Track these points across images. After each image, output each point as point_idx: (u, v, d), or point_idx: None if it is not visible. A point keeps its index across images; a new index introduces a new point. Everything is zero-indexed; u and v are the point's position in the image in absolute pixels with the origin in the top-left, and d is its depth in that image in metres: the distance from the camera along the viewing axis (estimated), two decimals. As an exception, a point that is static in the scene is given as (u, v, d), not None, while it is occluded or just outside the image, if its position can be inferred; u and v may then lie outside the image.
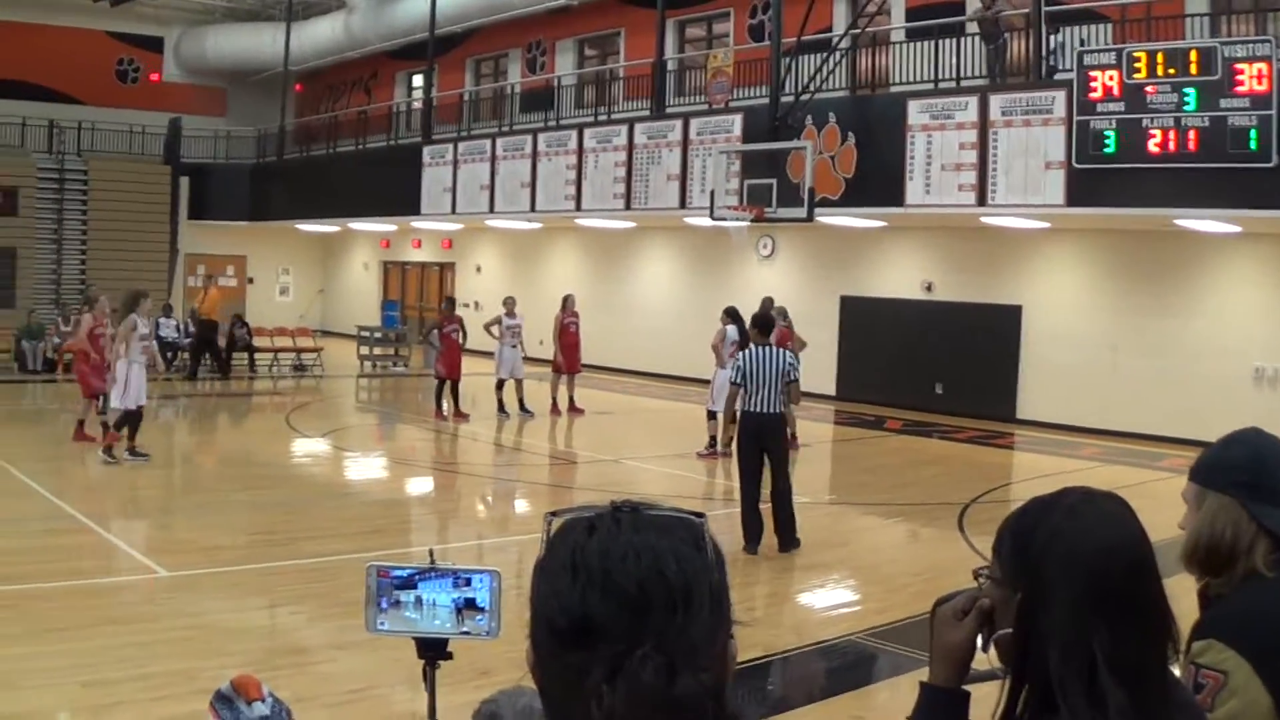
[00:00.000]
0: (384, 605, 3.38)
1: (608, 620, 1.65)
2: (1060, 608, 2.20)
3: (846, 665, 10.16)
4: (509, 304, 25.72)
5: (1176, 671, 2.52)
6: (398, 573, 3.42)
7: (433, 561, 3.41)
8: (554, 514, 1.79)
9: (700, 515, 1.78)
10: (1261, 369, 22.90)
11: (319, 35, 44.59)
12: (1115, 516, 2.32)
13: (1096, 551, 2.24)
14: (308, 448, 21.58)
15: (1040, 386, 25.71)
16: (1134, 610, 2.23)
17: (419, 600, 3.43)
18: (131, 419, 18.29)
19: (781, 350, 14.05)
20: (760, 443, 13.54)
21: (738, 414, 13.81)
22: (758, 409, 13.43)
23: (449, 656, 3.44)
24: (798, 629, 10.93)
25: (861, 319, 28.85)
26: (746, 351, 14.00)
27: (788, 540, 13.47)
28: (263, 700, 2.80)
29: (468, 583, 3.34)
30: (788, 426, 15.13)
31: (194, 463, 19.08)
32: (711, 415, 20.28)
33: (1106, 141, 20.75)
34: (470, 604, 3.32)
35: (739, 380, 13.55)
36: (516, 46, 39.28)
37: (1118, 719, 2.12)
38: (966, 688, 2.41)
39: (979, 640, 2.38)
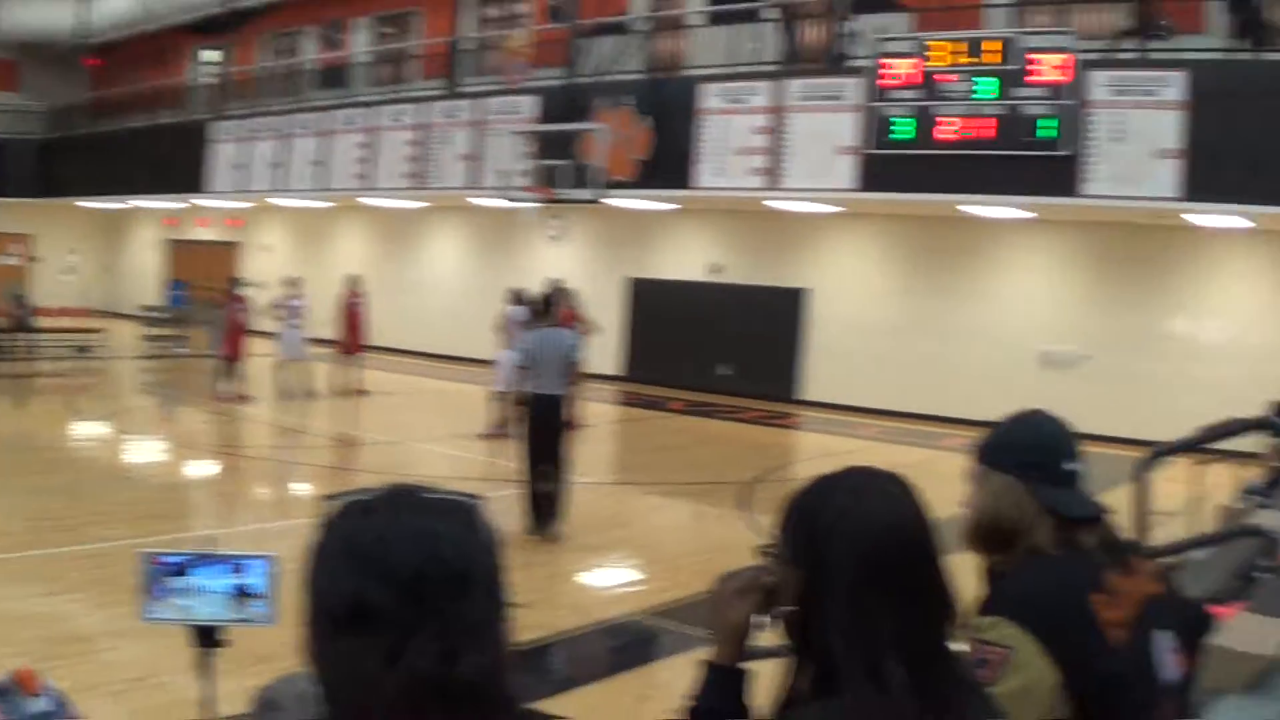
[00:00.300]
0: (157, 593, 3.34)
1: (384, 605, 1.63)
2: (842, 586, 2.22)
3: (630, 644, 10.25)
4: (292, 284, 25.42)
5: (963, 649, 2.57)
6: (170, 559, 3.35)
7: (207, 547, 3.39)
8: (331, 497, 1.77)
9: (476, 497, 1.79)
10: (1047, 353, 23.54)
11: (115, 8, 43.61)
12: (896, 496, 2.35)
13: (878, 530, 2.26)
14: (89, 431, 21.14)
15: (825, 368, 26.16)
16: (915, 589, 2.25)
17: (193, 587, 3.36)
18: None
19: (565, 331, 14.07)
20: (543, 425, 13.47)
21: (523, 396, 13.67)
22: (541, 391, 13.34)
23: (222, 644, 3.39)
24: (581, 609, 10.94)
25: (648, 301, 29.05)
26: (530, 334, 13.97)
27: (552, 525, 13.37)
28: (39, 694, 2.73)
29: (242, 569, 3.30)
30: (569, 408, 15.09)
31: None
32: (498, 397, 20.28)
33: (900, 128, 21.20)
34: (245, 590, 3.29)
35: (525, 362, 13.49)
36: (314, 23, 38.80)
37: (900, 697, 2.13)
38: (747, 665, 2.43)
39: (761, 618, 2.39)
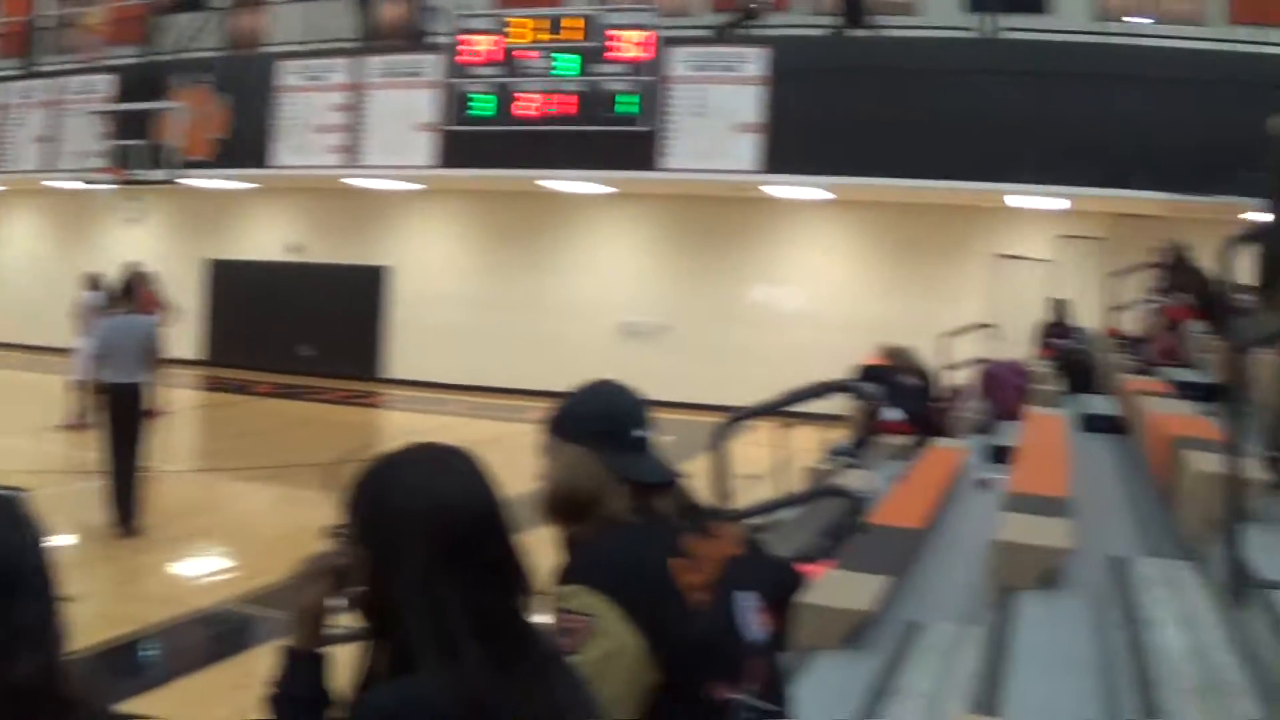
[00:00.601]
0: None
1: None
2: (409, 564, 2.22)
3: (225, 633, 10.08)
4: None
5: (543, 621, 2.56)
6: None
7: None
8: None
9: (18, 491, 1.77)
10: (628, 324, 24.08)
11: None
12: (461, 471, 2.36)
13: (442, 506, 2.27)
14: None
15: (409, 346, 26.24)
16: (484, 563, 2.25)
17: None
18: None
19: (142, 318, 13.62)
20: (122, 414, 12.96)
21: (101, 384, 13.21)
22: (119, 379, 12.86)
23: None
24: (169, 600, 10.74)
25: (228, 282, 28.60)
26: (107, 320, 13.47)
27: (130, 521, 12.75)
28: None
29: None
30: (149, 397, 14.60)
31: None
32: (76, 386, 19.66)
33: (480, 104, 21.37)
34: None
35: (101, 350, 13.03)
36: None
37: (475, 672, 2.14)
38: (325, 649, 2.41)
39: (337, 601, 2.37)
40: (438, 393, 24.63)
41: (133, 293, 14.09)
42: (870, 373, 14.09)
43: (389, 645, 2.27)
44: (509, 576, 2.31)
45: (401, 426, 21.10)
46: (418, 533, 2.24)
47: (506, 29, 21.54)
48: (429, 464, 2.36)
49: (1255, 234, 9.05)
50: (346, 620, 2.37)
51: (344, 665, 2.40)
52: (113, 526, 12.58)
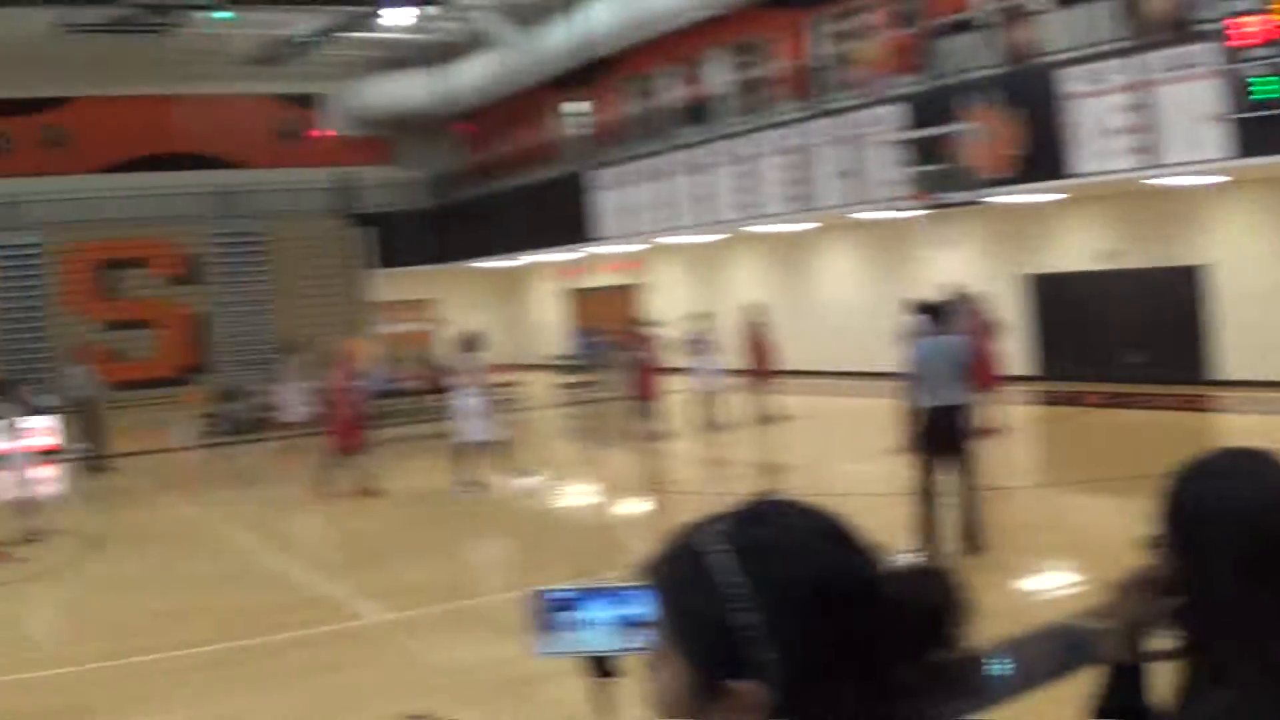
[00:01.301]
0: (548, 626, 3.49)
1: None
2: (1219, 573, 2.14)
3: (1067, 647, 9.95)
4: (702, 319, 25.74)
5: None
6: (559, 595, 3.51)
7: (594, 581, 3.43)
8: (706, 526, 1.80)
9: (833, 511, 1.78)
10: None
11: (475, 74, 45.31)
12: (1271, 475, 2.23)
13: (1257, 512, 2.17)
14: (514, 481, 21.73)
15: (1235, 345, 25.08)
16: None
17: (582, 620, 3.47)
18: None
19: (958, 338, 13.63)
20: (940, 437, 12.94)
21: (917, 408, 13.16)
22: (934, 401, 12.88)
23: (616, 674, 3.52)
24: (1011, 614, 10.70)
25: (1047, 295, 28.45)
26: (919, 343, 13.46)
27: (972, 543, 12.85)
28: None
29: (631, 599, 3.38)
30: (983, 416, 14.48)
31: (404, 506, 19.33)
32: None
33: (1260, 88, 20.22)
34: (634, 620, 3.36)
35: (916, 373, 13.08)
36: (671, 62, 39.34)
37: None
38: (1146, 662, 2.36)
39: (1158, 613, 2.32)
40: (1269, 391, 23.44)
41: (943, 316, 13.96)
42: None
43: (1206, 658, 2.23)
44: None
45: (1234, 430, 20.28)
46: (1224, 540, 2.17)
47: (1272, 6, 20.21)
48: (1234, 469, 2.29)
49: None
50: (1167, 632, 2.33)
51: (1163, 678, 2.36)
52: (921, 550, 12.53)
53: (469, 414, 19.83)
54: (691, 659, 1.71)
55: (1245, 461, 2.27)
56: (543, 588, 3.55)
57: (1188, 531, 2.22)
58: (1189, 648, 2.27)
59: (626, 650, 3.43)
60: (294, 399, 25.88)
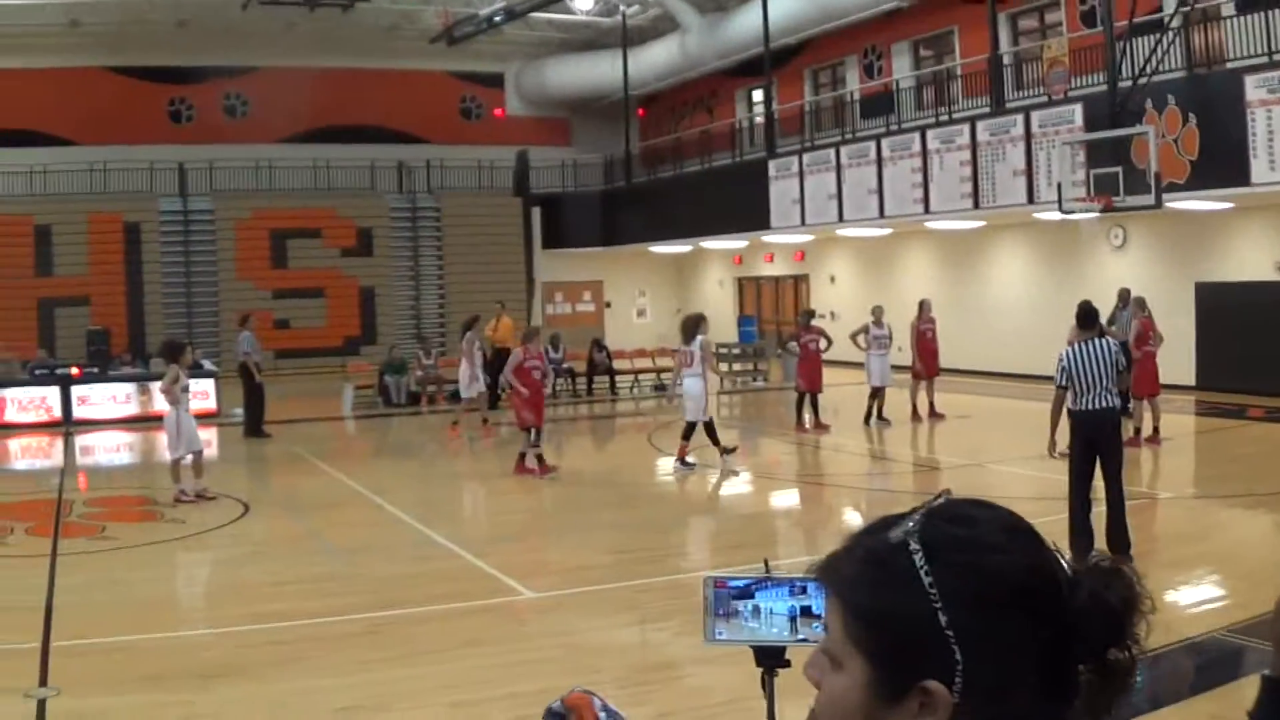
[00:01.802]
0: (721, 614, 3.56)
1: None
2: None
3: (1211, 662, 9.93)
4: (876, 313, 25.77)
5: None
6: (734, 583, 3.57)
7: (767, 571, 3.60)
8: (896, 522, 1.75)
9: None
10: None
11: (656, 58, 45.25)
12: None
13: None
14: (670, 466, 21.96)
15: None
16: None
17: (756, 609, 3.54)
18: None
19: (1108, 341, 13.41)
20: (1093, 443, 12.90)
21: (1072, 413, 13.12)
22: (1087, 406, 12.84)
23: (787, 664, 3.59)
24: (1163, 626, 10.67)
25: (1217, 305, 27.99)
26: (1070, 348, 13.32)
27: (1120, 553, 12.07)
28: None
29: (804, 590, 3.45)
30: (1141, 422, 14.37)
31: (559, 485, 19.53)
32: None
33: None
34: (807, 611, 3.46)
35: (1063, 381, 13.03)
36: (852, 53, 39.34)
37: None
38: None
39: None
40: None
41: (1092, 320, 13.88)
42: None
43: None
44: None
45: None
46: None
47: None
48: None
49: None
50: None
51: None
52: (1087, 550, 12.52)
53: (690, 395, 20.51)
54: (877, 659, 1.68)
55: None
56: (720, 574, 3.70)
57: None
58: None
59: (797, 641, 3.49)
60: (470, 374, 26.29)
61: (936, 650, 1.63)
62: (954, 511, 1.74)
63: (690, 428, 20.45)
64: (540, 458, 19.98)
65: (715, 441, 20.42)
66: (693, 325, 21.14)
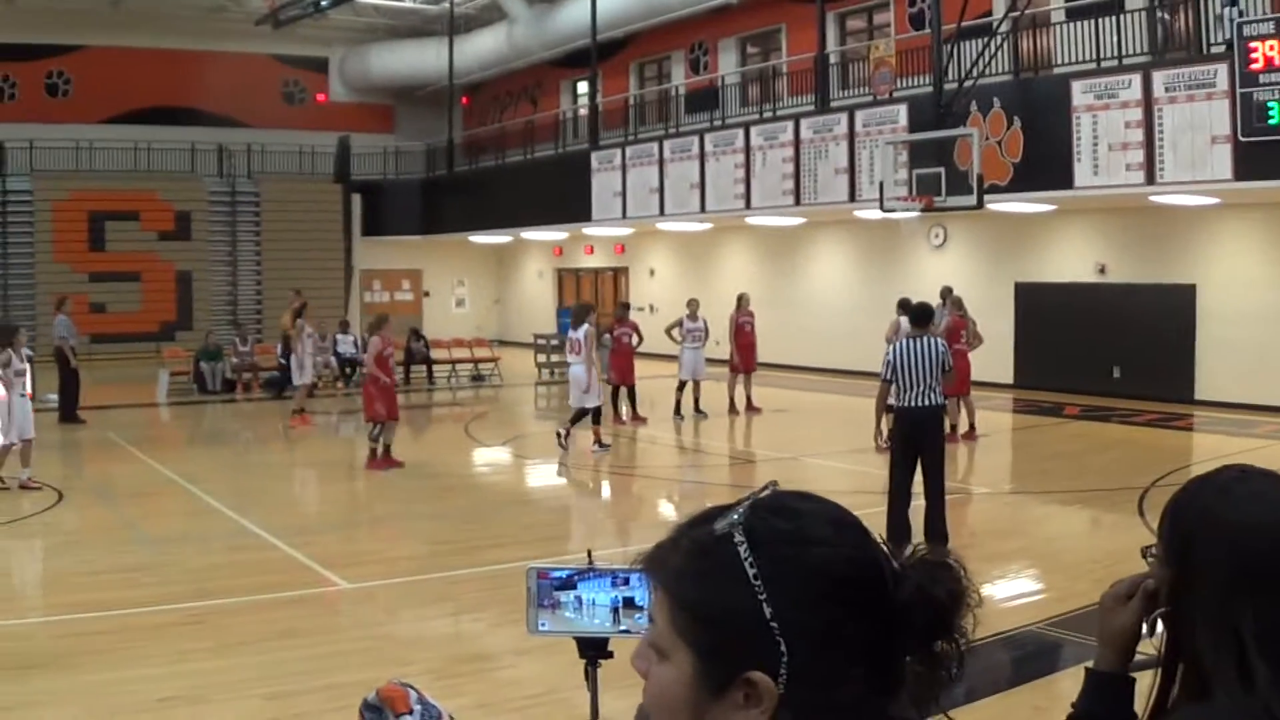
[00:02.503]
0: (544, 605, 3.48)
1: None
2: (1206, 586, 2.17)
3: (1028, 655, 10.04)
4: (691, 306, 25.82)
5: None
6: (557, 574, 3.50)
7: (590, 562, 3.47)
8: (720, 514, 1.74)
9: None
10: None
11: (482, 47, 45.27)
12: (1268, 495, 2.25)
13: (1243, 529, 2.18)
14: (487, 456, 21.78)
15: (1218, 366, 25.18)
16: None
17: (579, 600, 3.49)
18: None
19: (936, 340, 13.51)
20: (914, 439, 13.04)
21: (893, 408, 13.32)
22: (910, 403, 12.96)
23: (610, 655, 3.54)
24: (979, 620, 10.73)
25: (1036, 304, 28.53)
26: (898, 344, 13.45)
27: (937, 545, 12.84)
28: (410, 713, 2.75)
29: (626, 582, 3.40)
30: (957, 419, 14.52)
31: (374, 476, 19.38)
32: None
33: (1270, 113, 20.25)
34: (630, 602, 3.37)
35: (888, 376, 13.11)
36: (679, 48, 39.50)
37: (1266, 692, 2.05)
38: (1133, 674, 2.38)
39: (1147, 623, 2.34)
40: (1248, 414, 23.59)
41: (925, 317, 13.95)
42: None
43: (1186, 668, 2.24)
44: None
45: (1211, 450, 20.29)
46: (1214, 554, 2.18)
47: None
48: (1234, 485, 2.28)
49: None
50: (1153, 643, 2.33)
51: (1146, 688, 2.35)
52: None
53: (577, 381, 21.05)
54: (702, 651, 1.67)
55: (1247, 479, 2.28)
56: (543, 564, 3.59)
57: (1179, 543, 2.26)
58: (1172, 660, 2.28)
59: (622, 633, 3.45)
60: (300, 362, 25.88)
61: (762, 642, 1.63)
62: (779, 504, 1.74)
63: (582, 413, 21.15)
64: (388, 450, 19.82)
65: (570, 425, 21.21)
66: (582, 313, 21.52)
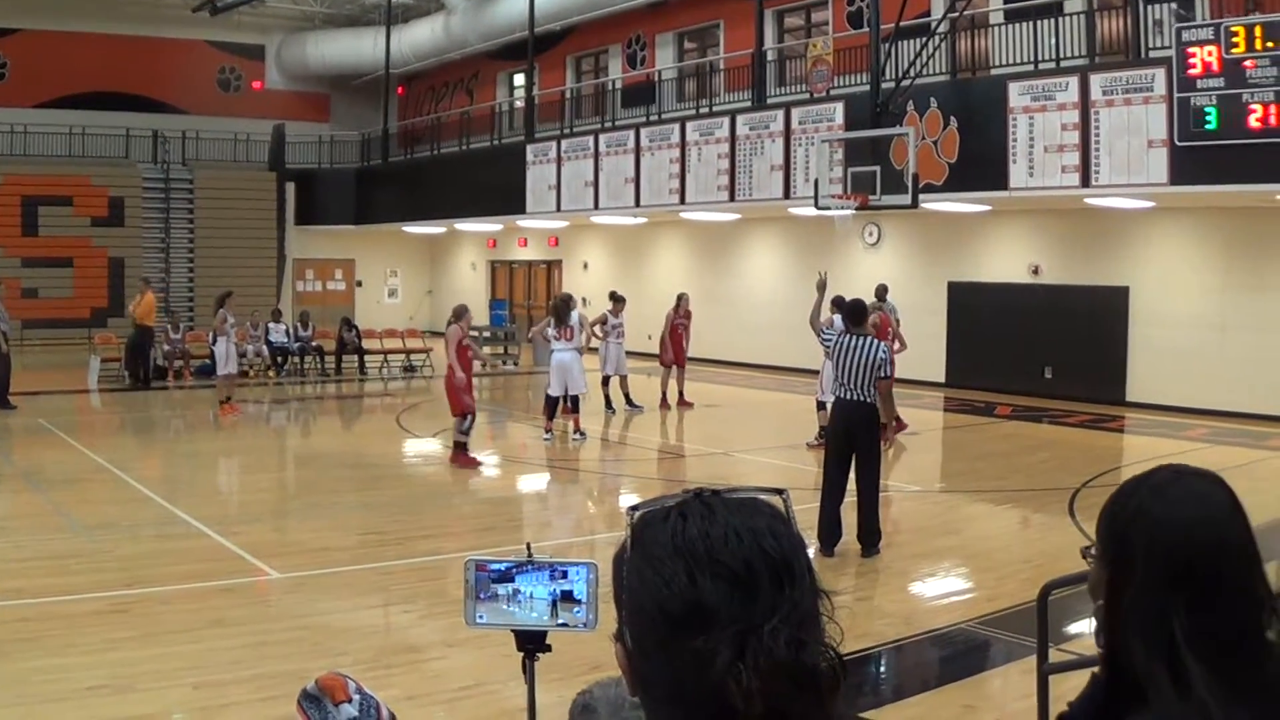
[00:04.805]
0: (482, 598, 3.44)
1: (720, 601, 1.67)
2: (1140, 584, 2.20)
3: (958, 653, 10.09)
4: (614, 302, 25.73)
5: None
6: (495, 566, 3.45)
7: (530, 555, 3.44)
8: (636, 508, 1.81)
9: (781, 491, 1.82)
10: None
11: (419, 38, 45.19)
12: (1202, 495, 2.29)
13: (1176, 529, 2.22)
14: (418, 448, 21.71)
15: (1149, 368, 25.39)
16: (1217, 589, 2.19)
17: (516, 593, 3.46)
18: None
19: (875, 341, 13.42)
20: (849, 433, 12.97)
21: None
22: (846, 397, 12.92)
23: (547, 649, 3.52)
24: (909, 618, 10.82)
25: (969, 304, 28.66)
26: (841, 337, 13.37)
27: (868, 544, 12.90)
28: (350, 701, 2.76)
29: (565, 575, 3.36)
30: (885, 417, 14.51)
31: (305, 465, 19.28)
32: (821, 406, 20.07)
33: (1208, 118, 20.38)
34: (568, 596, 3.34)
35: (831, 370, 13.21)
36: (616, 42, 39.45)
37: (1203, 693, 2.09)
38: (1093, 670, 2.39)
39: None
40: (1179, 416, 23.80)
41: (860, 315, 13.92)
42: None
43: (1120, 665, 2.26)
44: (1243, 604, 2.21)
45: (1141, 451, 20.47)
46: (1148, 554, 2.22)
47: (1230, 38, 20.34)
48: (1168, 486, 2.32)
49: None
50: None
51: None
52: (820, 552, 12.64)
53: (562, 369, 21.70)
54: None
55: (1180, 480, 2.32)
56: (481, 556, 3.55)
57: (1114, 542, 2.29)
58: (1104, 654, 2.32)
59: (558, 626, 3.43)
60: (226, 351, 25.55)
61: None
62: (685, 511, 1.77)
63: (552, 400, 22.05)
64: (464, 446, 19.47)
65: (552, 413, 22.12)
66: (566, 304, 22.11)
